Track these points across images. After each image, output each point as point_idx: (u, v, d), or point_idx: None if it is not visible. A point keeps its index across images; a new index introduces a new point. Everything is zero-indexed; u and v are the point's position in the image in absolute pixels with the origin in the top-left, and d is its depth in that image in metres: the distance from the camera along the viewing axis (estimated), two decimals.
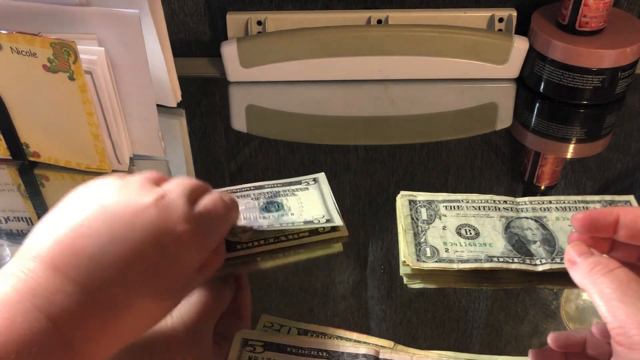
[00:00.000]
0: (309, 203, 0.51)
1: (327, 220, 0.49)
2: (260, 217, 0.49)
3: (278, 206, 0.51)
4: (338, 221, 0.48)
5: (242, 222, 0.49)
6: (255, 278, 0.47)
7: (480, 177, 0.58)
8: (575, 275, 0.32)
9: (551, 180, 0.58)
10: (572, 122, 0.66)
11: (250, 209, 0.50)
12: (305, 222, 0.48)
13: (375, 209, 0.54)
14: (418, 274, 0.46)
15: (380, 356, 0.39)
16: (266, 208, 0.51)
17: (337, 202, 0.52)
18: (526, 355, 0.40)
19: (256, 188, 0.53)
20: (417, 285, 0.46)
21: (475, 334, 0.43)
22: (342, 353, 0.39)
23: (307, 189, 0.53)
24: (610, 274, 0.30)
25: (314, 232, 0.49)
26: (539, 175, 0.59)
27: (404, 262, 0.46)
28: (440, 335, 0.43)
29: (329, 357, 0.39)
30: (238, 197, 0.52)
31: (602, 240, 0.36)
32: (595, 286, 0.30)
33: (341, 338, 0.41)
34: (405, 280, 0.46)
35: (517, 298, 0.45)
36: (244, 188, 0.53)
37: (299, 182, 0.54)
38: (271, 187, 0.53)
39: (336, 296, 0.46)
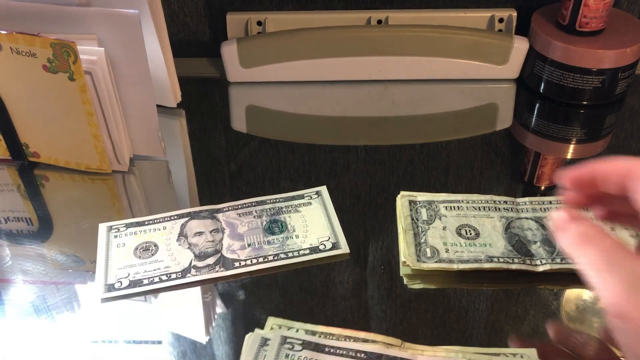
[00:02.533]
0: (313, 220, 0.51)
1: (333, 244, 0.48)
2: (264, 241, 0.49)
3: (282, 226, 0.50)
4: (344, 246, 0.48)
5: (244, 243, 0.49)
6: (255, 279, 0.47)
7: (481, 178, 0.58)
8: (562, 244, 0.32)
9: (551, 180, 0.58)
10: (572, 122, 0.66)
11: (253, 230, 0.50)
12: (311, 249, 0.48)
13: (375, 209, 0.54)
14: (418, 274, 0.46)
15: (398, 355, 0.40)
16: (270, 229, 0.50)
17: (336, 202, 0.52)
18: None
19: (258, 204, 0.53)
20: (417, 285, 0.46)
21: (475, 334, 0.43)
22: (381, 355, 0.39)
23: (310, 203, 0.52)
24: (597, 243, 0.30)
25: (315, 250, 0.48)
26: (539, 175, 0.59)
27: (404, 262, 0.46)
28: (440, 335, 0.43)
29: (367, 358, 0.39)
30: (240, 215, 0.52)
31: (594, 194, 0.35)
32: (582, 257, 0.30)
33: (350, 338, 0.41)
34: (405, 280, 0.46)
35: (517, 298, 0.45)
36: (245, 204, 0.53)
37: (301, 197, 0.53)
38: (273, 203, 0.53)
39: (336, 296, 0.46)
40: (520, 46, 0.68)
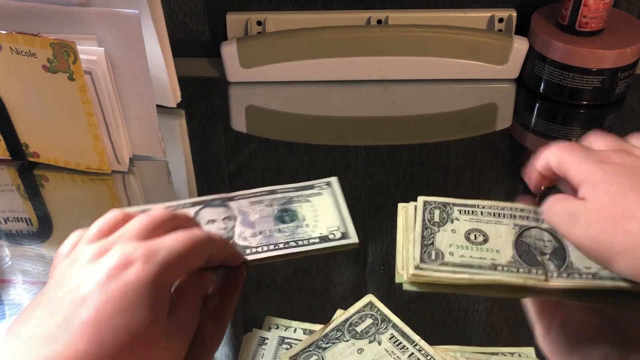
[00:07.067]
0: (323, 210, 0.51)
1: (343, 234, 0.48)
2: (275, 229, 0.49)
3: (292, 215, 0.50)
4: (353, 236, 0.48)
5: (256, 230, 0.49)
6: (254, 279, 0.47)
7: (480, 178, 0.58)
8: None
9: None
10: (572, 122, 0.66)
11: (265, 218, 0.50)
12: (321, 238, 0.48)
13: (375, 209, 0.54)
14: (415, 282, 0.45)
15: None
16: (280, 218, 0.50)
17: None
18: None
19: (270, 193, 0.53)
20: (413, 288, 0.45)
21: (474, 335, 0.43)
22: None
23: (321, 194, 0.53)
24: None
25: (325, 239, 0.48)
26: None
27: (401, 272, 0.45)
28: (439, 335, 0.43)
29: None
30: (252, 203, 0.52)
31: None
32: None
33: None
34: (403, 285, 0.46)
35: (518, 300, 0.45)
36: (257, 193, 0.53)
37: (312, 187, 0.53)
38: (284, 192, 0.53)
39: (335, 297, 0.46)
40: (520, 46, 0.68)
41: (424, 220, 0.48)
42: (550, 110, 0.67)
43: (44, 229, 0.53)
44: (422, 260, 0.45)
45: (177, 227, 0.35)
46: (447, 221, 0.48)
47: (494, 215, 0.48)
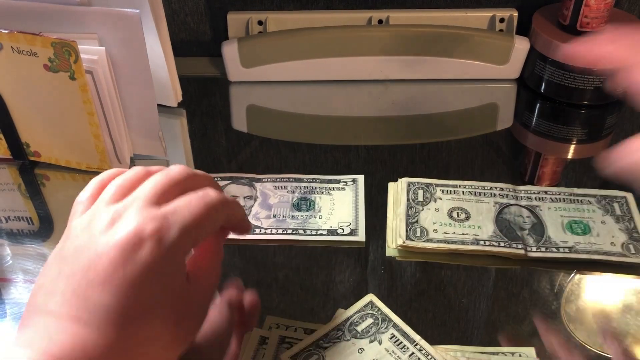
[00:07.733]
0: (341, 205, 0.51)
1: (351, 231, 0.49)
2: (289, 215, 0.50)
3: (310, 204, 0.51)
4: (361, 235, 0.49)
5: (271, 213, 0.50)
6: (254, 279, 0.47)
7: (481, 178, 0.58)
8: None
9: (552, 181, 0.58)
10: (572, 122, 0.66)
11: (283, 203, 0.51)
12: (329, 231, 0.49)
13: (376, 209, 0.54)
14: (405, 251, 0.47)
15: None
16: (297, 205, 0.51)
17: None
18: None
19: (295, 180, 0.54)
20: (406, 259, 0.47)
21: (475, 334, 0.43)
22: None
23: (344, 189, 0.53)
24: None
25: (333, 232, 0.49)
26: (540, 176, 0.59)
27: (389, 245, 0.47)
28: (439, 334, 0.43)
29: None
30: (275, 187, 0.52)
31: None
32: None
33: None
34: (394, 255, 0.47)
35: (518, 298, 0.46)
36: (283, 178, 0.54)
37: (338, 181, 0.54)
38: (309, 182, 0.54)
39: (336, 296, 0.46)
40: (521, 46, 0.68)
41: (408, 199, 0.50)
42: (551, 110, 0.67)
43: (44, 228, 0.53)
44: (407, 237, 0.47)
45: (194, 185, 0.34)
46: (430, 200, 0.50)
47: (475, 194, 0.51)
